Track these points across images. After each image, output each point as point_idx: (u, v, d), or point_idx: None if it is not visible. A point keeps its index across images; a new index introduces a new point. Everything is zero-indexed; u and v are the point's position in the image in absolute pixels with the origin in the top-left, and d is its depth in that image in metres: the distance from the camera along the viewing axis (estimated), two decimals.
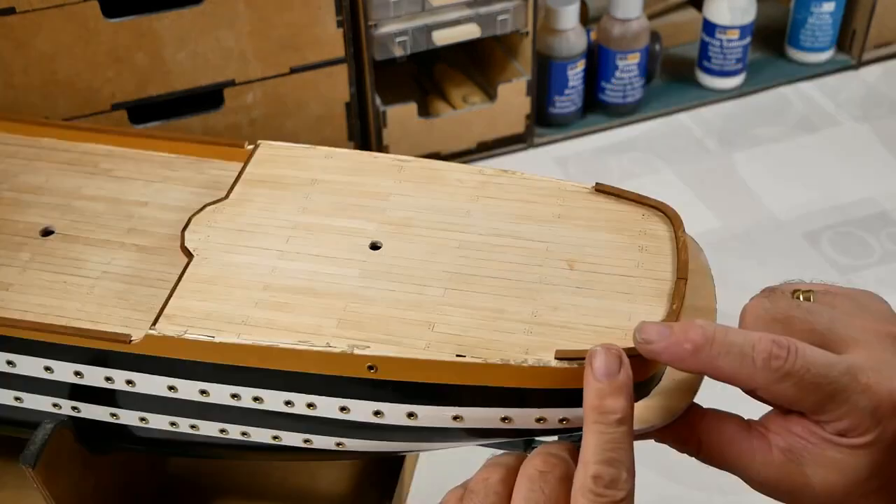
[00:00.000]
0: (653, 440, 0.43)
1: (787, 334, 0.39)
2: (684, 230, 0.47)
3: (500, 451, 0.42)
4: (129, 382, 0.47)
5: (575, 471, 0.39)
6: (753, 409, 0.42)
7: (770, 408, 0.42)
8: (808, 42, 1.10)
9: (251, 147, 0.55)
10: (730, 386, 0.40)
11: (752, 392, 0.40)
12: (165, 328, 0.44)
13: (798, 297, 0.43)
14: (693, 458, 0.43)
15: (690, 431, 0.42)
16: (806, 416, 0.40)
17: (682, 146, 1.02)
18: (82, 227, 0.52)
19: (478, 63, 1.06)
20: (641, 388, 0.42)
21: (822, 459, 0.39)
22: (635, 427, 0.42)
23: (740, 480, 0.42)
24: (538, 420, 0.43)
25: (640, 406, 0.42)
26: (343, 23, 0.86)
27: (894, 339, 0.40)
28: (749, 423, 0.42)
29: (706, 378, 0.41)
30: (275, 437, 0.48)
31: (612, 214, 0.49)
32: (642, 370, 0.41)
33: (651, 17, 1.08)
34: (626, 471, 0.37)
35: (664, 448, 0.44)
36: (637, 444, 0.43)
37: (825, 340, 0.40)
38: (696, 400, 0.43)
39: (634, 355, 0.40)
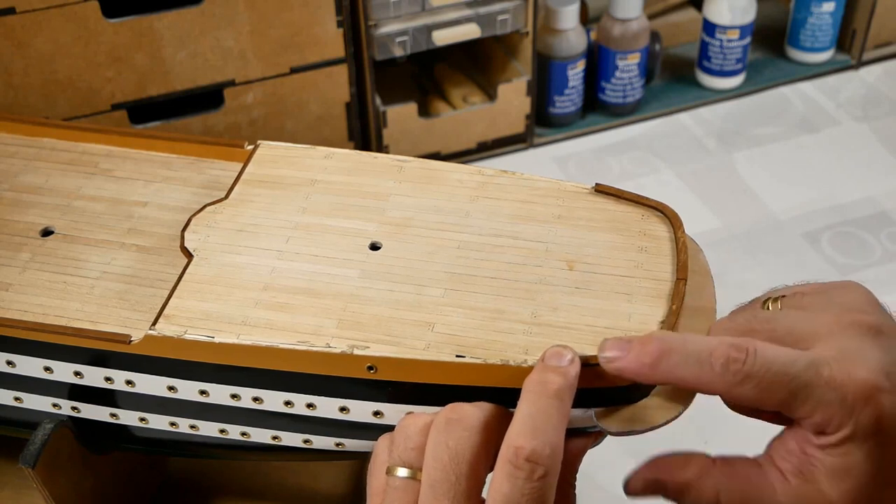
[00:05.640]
0: (662, 498, 0.42)
1: None
2: (684, 231, 0.47)
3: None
4: (128, 383, 0.47)
5: (492, 415, 0.40)
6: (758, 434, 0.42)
7: (769, 439, 0.41)
8: (808, 42, 1.10)
9: (251, 147, 0.55)
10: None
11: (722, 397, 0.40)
12: (165, 328, 0.44)
13: (767, 307, 0.43)
14: None
15: (707, 485, 0.40)
16: (792, 428, 0.40)
17: (682, 146, 1.02)
18: (82, 227, 0.52)
19: (478, 63, 1.06)
20: (639, 389, 0.42)
21: (827, 470, 0.39)
22: (639, 426, 0.42)
23: None
24: None
25: (641, 406, 0.42)
26: (343, 23, 0.86)
27: (859, 326, 0.40)
28: (757, 460, 0.41)
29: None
30: (274, 438, 0.48)
31: (611, 215, 0.49)
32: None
33: (651, 17, 1.08)
34: (549, 447, 0.37)
35: (664, 448, 0.44)
36: (637, 444, 0.44)
37: (788, 343, 0.40)
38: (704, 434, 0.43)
39: None
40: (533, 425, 0.37)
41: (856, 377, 0.38)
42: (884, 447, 0.38)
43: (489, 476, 0.40)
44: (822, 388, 0.38)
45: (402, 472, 0.40)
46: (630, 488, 0.42)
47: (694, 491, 0.41)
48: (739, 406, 0.41)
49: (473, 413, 0.40)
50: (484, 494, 0.39)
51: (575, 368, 0.40)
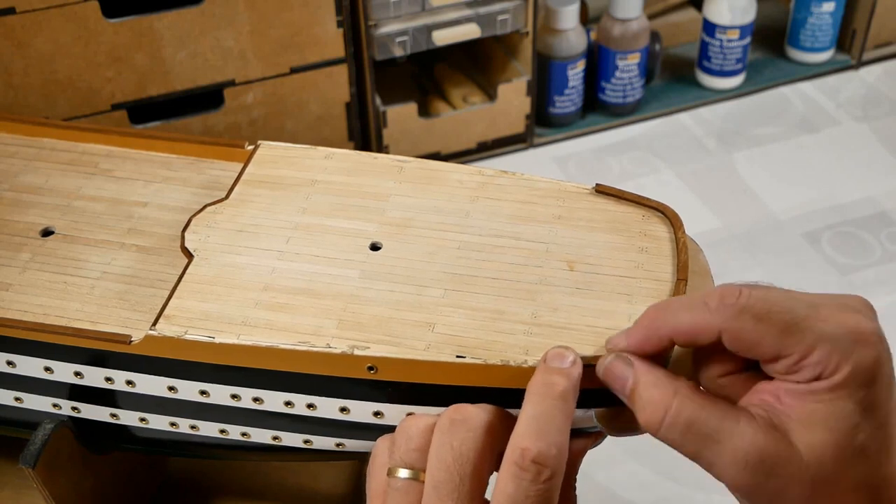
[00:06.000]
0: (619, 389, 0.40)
1: None
2: (684, 231, 0.47)
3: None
4: (129, 383, 0.47)
5: (496, 416, 0.40)
6: None
7: None
8: (808, 42, 1.10)
9: (251, 147, 0.55)
10: None
11: (702, 356, 0.39)
12: (165, 329, 0.44)
13: None
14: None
15: (667, 387, 0.38)
16: (767, 381, 0.38)
17: (682, 146, 1.02)
18: (82, 228, 0.52)
19: (478, 63, 1.06)
20: None
21: (805, 417, 0.36)
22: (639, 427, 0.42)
23: None
24: None
25: None
26: (343, 23, 0.86)
27: (855, 301, 0.38)
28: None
29: None
30: (275, 438, 0.48)
31: (612, 215, 0.49)
32: None
33: (651, 17, 1.08)
34: (555, 448, 0.37)
35: (664, 448, 0.43)
36: (637, 444, 0.44)
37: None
38: None
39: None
40: (538, 427, 0.37)
41: (856, 321, 0.37)
42: (874, 405, 0.36)
43: (492, 477, 0.40)
44: (822, 322, 0.36)
45: (404, 472, 0.40)
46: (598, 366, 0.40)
47: (657, 392, 0.38)
48: (719, 381, 0.39)
49: (477, 414, 0.40)
50: (488, 496, 0.39)
51: (577, 370, 0.40)
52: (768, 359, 0.37)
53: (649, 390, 0.38)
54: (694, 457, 0.38)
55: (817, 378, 0.36)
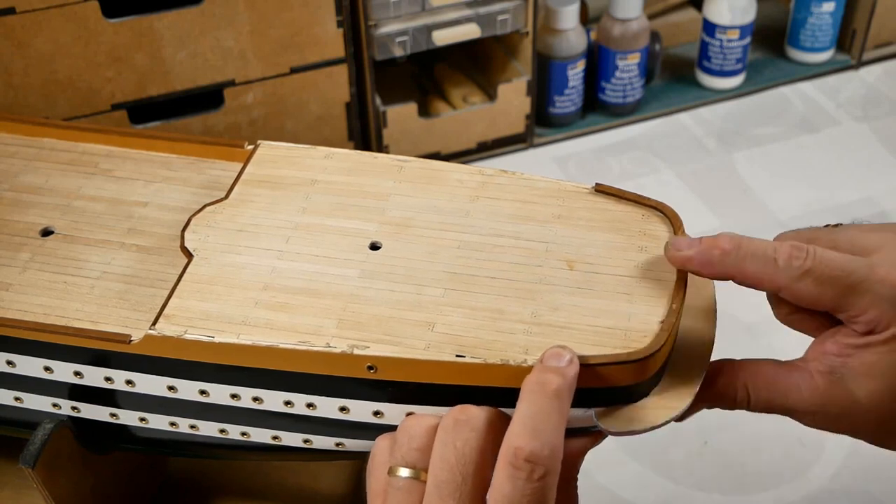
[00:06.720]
0: (704, 408, 0.45)
1: None
2: (684, 231, 0.47)
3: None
4: (128, 382, 0.47)
5: (499, 416, 0.40)
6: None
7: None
8: (808, 42, 1.10)
9: (251, 147, 0.55)
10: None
11: (775, 295, 0.43)
12: (165, 328, 0.44)
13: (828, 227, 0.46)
14: (695, 457, 0.43)
15: (736, 383, 0.43)
16: (832, 331, 0.42)
17: (682, 146, 1.02)
18: (82, 227, 0.52)
19: (478, 63, 1.06)
20: (639, 389, 0.42)
21: (861, 367, 0.41)
22: (639, 426, 0.42)
23: (740, 480, 0.42)
24: None
25: (641, 406, 0.42)
26: (343, 23, 0.86)
27: None
28: (785, 363, 0.43)
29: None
30: (274, 438, 0.48)
31: (611, 215, 0.49)
32: (631, 373, 0.41)
33: (651, 17, 1.08)
34: (548, 447, 0.37)
35: (664, 448, 0.44)
36: (637, 444, 0.44)
37: (848, 252, 0.42)
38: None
39: (621, 362, 0.41)
40: (532, 426, 0.37)
41: None
42: None
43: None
44: (878, 284, 0.41)
45: (405, 472, 0.40)
46: None
47: (727, 392, 0.43)
48: (790, 317, 0.44)
49: (480, 414, 0.40)
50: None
51: (573, 368, 0.40)
52: (826, 310, 0.42)
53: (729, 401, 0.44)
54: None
55: (871, 332, 0.41)
